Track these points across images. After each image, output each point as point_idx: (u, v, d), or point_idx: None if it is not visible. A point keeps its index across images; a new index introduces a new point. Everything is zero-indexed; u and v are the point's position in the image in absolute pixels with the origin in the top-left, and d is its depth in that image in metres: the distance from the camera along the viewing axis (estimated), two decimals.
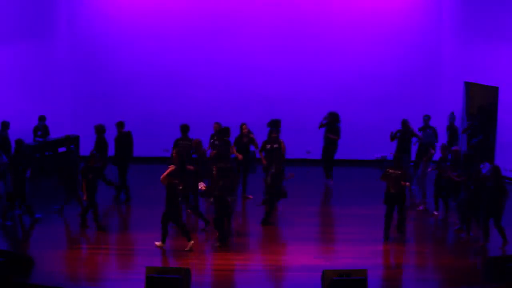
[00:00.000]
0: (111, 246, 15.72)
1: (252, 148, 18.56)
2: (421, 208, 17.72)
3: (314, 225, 16.92)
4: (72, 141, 18.67)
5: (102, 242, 15.90)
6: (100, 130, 18.24)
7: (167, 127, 21.16)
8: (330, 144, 19.63)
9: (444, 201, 16.96)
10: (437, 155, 17.64)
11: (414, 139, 19.12)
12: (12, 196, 16.51)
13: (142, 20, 21.56)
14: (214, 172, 15.66)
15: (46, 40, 21.20)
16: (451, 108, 21.00)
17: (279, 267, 14.55)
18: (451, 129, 19.41)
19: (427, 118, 18.92)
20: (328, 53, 21.56)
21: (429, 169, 17.41)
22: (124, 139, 18.31)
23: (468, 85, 21.19)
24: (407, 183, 15.71)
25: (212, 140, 18.22)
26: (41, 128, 19.88)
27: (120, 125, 18.41)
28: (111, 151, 18.50)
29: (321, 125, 19.67)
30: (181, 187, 15.15)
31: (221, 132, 17.96)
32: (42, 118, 19.92)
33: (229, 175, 16.00)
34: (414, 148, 19.26)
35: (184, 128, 17.99)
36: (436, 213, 17.19)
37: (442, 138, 19.65)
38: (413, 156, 19.25)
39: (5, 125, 18.66)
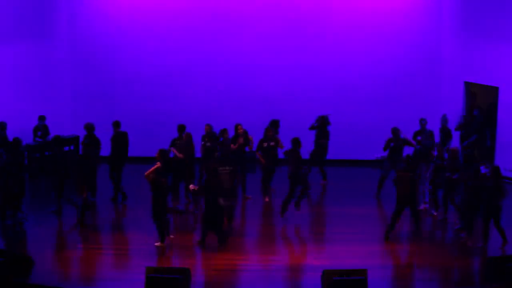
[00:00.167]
0: (110, 246, 15.73)
1: (247, 148, 18.60)
2: (421, 207, 17.73)
3: (314, 225, 16.91)
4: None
5: (102, 242, 15.90)
6: (90, 128, 18.23)
7: (167, 127, 21.15)
8: (322, 148, 19.68)
9: (444, 201, 16.94)
10: None
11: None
12: (11, 196, 16.52)
13: (142, 20, 21.57)
14: (207, 171, 15.63)
15: (46, 40, 21.21)
16: (451, 108, 21.01)
17: (279, 267, 14.55)
18: (444, 131, 19.37)
19: (424, 122, 18.88)
20: (328, 53, 21.57)
21: (428, 174, 17.40)
22: (120, 138, 18.33)
23: (468, 85, 21.18)
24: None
25: (203, 142, 18.22)
26: (41, 128, 19.89)
27: (116, 124, 18.45)
28: (106, 150, 18.51)
29: (312, 127, 19.71)
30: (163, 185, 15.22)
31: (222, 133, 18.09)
32: (42, 118, 19.93)
33: (227, 177, 16.05)
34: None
35: (181, 128, 18.08)
36: (435, 213, 17.17)
37: (436, 140, 19.62)
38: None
39: (3, 125, 18.64)
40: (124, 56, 21.70)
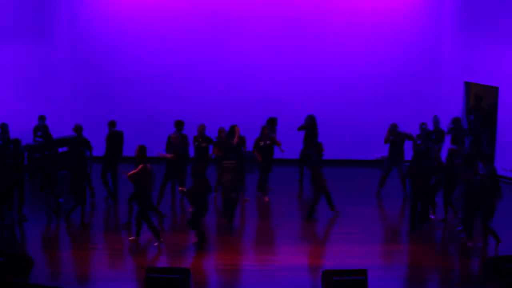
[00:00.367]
0: (110, 246, 15.71)
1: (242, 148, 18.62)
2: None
3: (314, 225, 16.91)
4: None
5: (101, 242, 15.89)
6: (78, 129, 18.28)
7: (167, 127, 21.12)
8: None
9: (444, 202, 16.92)
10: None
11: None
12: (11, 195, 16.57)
13: (142, 20, 21.56)
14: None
15: (46, 40, 21.20)
16: (451, 108, 21.00)
17: (279, 267, 14.55)
18: (437, 132, 19.35)
19: (424, 127, 18.85)
20: (328, 53, 21.56)
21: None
22: (115, 138, 18.36)
23: (469, 86, 21.17)
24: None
25: (197, 143, 18.20)
26: (41, 128, 19.88)
27: (112, 124, 18.51)
28: (102, 150, 18.58)
29: (301, 128, 19.68)
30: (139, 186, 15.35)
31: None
32: (42, 118, 19.91)
33: (231, 170, 16.27)
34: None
35: (178, 124, 18.20)
36: (432, 216, 17.10)
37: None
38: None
39: (5, 127, 18.63)
40: (124, 56, 21.70)
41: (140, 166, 15.43)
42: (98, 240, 16.02)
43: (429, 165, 16.38)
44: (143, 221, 15.35)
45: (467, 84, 21.17)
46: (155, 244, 15.26)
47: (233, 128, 18.09)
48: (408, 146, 18.78)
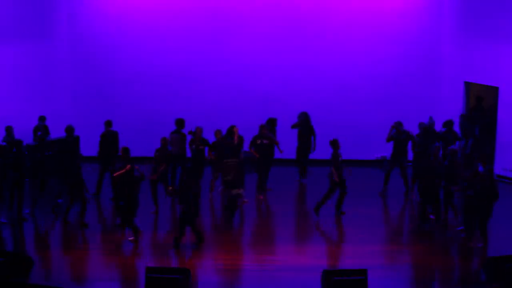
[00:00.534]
0: (110, 246, 15.71)
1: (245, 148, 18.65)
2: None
3: (314, 225, 16.91)
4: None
5: (101, 242, 15.89)
6: (70, 130, 18.32)
7: (167, 127, 21.13)
8: (307, 144, 19.62)
9: (444, 202, 16.91)
10: None
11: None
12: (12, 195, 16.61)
13: (142, 20, 21.56)
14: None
15: (46, 40, 21.20)
16: (451, 108, 21.00)
17: (279, 267, 14.55)
18: (431, 133, 19.34)
19: (423, 126, 18.84)
20: (328, 53, 21.56)
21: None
22: (110, 137, 18.42)
23: (468, 85, 21.17)
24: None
25: (194, 146, 18.17)
26: (41, 128, 19.87)
27: (108, 123, 18.63)
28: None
29: (294, 126, 19.65)
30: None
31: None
32: (42, 119, 19.91)
33: (233, 169, 16.41)
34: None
35: (178, 122, 18.31)
36: (432, 217, 17.10)
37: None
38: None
39: (10, 129, 18.64)
40: (124, 56, 21.70)
41: (128, 166, 15.57)
42: (97, 240, 16.02)
43: (430, 165, 16.38)
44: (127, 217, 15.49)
45: (467, 84, 21.17)
46: (131, 239, 15.33)
47: (231, 128, 18.11)
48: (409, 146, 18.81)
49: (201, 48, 21.58)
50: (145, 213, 17.17)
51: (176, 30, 21.57)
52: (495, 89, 20.33)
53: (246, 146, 18.62)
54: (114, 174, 15.86)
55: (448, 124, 18.94)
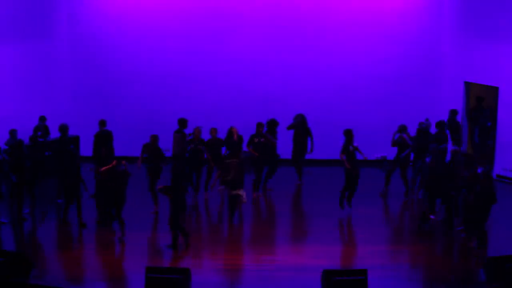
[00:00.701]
0: (110, 246, 15.71)
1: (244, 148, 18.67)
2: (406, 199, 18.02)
3: (315, 225, 16.91)
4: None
5: (101, 242, 15.89)
6: (65, 129, 18.36)
7: (167, 127, 21.13)
8: (303, 146, 19.58)
9: (447, 205, 16.86)
10: None
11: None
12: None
13: (142, 20, 21.57)
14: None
15: (46, 40, 21.20)
16: (451, 108, 20.99)
17: (279, 267, 14.55)
18: (426, 135, 19.34)
19: (424, 126, 18.79)
20: (328, 53, 21.56)
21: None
22: (104, 137, 18.48)
23: (468, 85, 21.17)
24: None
25: (193, 145, 18.17)
26: (41, 128, 19.88)
27: (102, 123, 18.70)
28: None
29: (290, 127, 19.63)
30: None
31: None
32: (42, 119, 19.91)
33: (234, 168, 16.49)
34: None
35: (180, 121, 18.34)
36: (432, 217, 17.11)
37: None
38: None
39: (14, 132, 18.66)
40: (124, 56, 21.70)
41: (113, 162, 15.77)
42: (96, 240, 16.02)
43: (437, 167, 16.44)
44: (112, 214, 15.66)
45: (467, 84, 21.17)
46: (119, 236, 15.46)
47: (230, 130, 18.14)
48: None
49: (201, 48, 21.59)
50: (145, 213, 17.19)
51: (176, 30, 21.57)
52: (495, 89, 20.33)
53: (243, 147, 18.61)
54: (101, 169, 15.95)
55: (440, 124, 18.86)
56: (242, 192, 16.78)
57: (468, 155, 17.66)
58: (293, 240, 16.34)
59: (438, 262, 14.99)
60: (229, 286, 13.91)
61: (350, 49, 21.54)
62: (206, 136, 18.47)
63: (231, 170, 16.68)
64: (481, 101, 20.68)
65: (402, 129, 18.48)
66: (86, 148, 19.71)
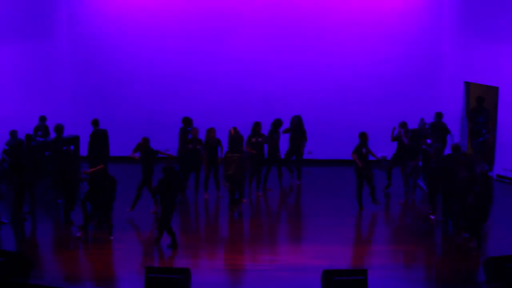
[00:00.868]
0: (110, 246, 15.70)
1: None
2: (401, 201, 17.94)
3: (314, 225, 16.91)
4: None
5: (101, 242, 15.88)
6: (60, 129, 18.39)
7: (167, 127, 21.18)
8: (299, 147, 19.53)
9: (449, 205, 16.85)
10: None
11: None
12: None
13: (142, 20, 21.58)
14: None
15: (46, 40, 21.21)
16: (451, 108, 21.01)
17: (279, 267, 14.55)
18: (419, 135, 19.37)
19: (427, 127, 18.76)
20: (328, 53, 21.57)
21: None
22: (99, 137, 18.51)
23: (468, 85, 21.17)
24: None
25: (191, 145, 18.15)
26: (42, 128, 19.89)
27: (95, 123, 18.79)
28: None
29: (286, 131, 19.57)
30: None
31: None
32: (42, 119, 19.92)
33: (235, 163, 16.74)
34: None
35: (184, 120, 18.52)
36: (432, 217, 17.11)
37: None
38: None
39: (14, 133, 18.66)
40: (124, 56, 21.71)
41: (101, 165, 15.91)
42: (96, 240, 16.02)
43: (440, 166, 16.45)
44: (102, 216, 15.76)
45: (467, 84, 21.17)
46: (111, 237, 15.56)
47: (230, 131, 18.17)
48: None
49: (201, 48, 21.59)
50: (145, 213, 17.19)
51: (176, 30, 21.58)
52: (495, 89, 20.33)
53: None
54: (89, 170, 16.07)
55: (434, 126, 18.81)
56: (242, 187, 16.93)
57: (467, 155, 17.64)
58: (293, 240, 16.34)
59: (438, 262, 14.99)
60: (229, 286, 13.91)
61: (350, 49, 21.54)
62: (202, 136, 18.50)
63: (231, 165, 16.80)
64: (481, 102, 20.63)
65: (402, 125, 18.54)
66: (86, 148, 19.70)
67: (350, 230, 16.51)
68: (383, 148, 19.59)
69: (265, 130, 18.97)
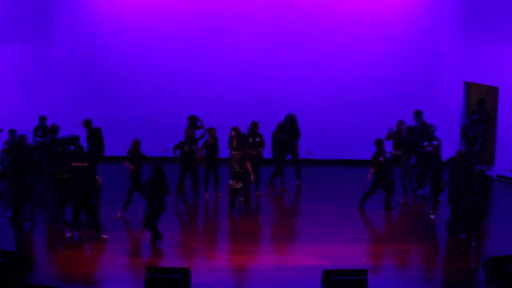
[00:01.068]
0: (110, 245, 15.70)
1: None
2: (401, 201, 17.93)
3: (315, 225, 16.91)
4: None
5: (101, 242, 15.88)
6: (53, 130, 18.43)
7: (167, 127, 21.19)
8: (295, 147, 19.49)
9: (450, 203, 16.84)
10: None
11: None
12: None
13: (142, 20, 21.57)
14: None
15: (46, 40, 21.20)
16: (451, 108, 21.00)
17: (279, 267, 14.55)
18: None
19: (433, 129, 18.75)
20: (328, 53, 21.56)
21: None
22: (94, 135, 18.53)
23: (468, 85, 21.17)
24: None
25: (187, 147, 18.12)
26: (42, 128, 19.89)
27: (88, 122, 18.90)
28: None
29: (280, 130, 19.54)
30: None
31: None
32: (42, 119, 19.92)
33: (238, 161, 16.92)
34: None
35: (189, 118, 18.72)
36: (432, 216, 17.11)
37: None
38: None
39: (14, 132, 18.67)
40: (124, 56, 21.70)
41: (85, 163, 15.93)
42: (96, 240, 16.02)
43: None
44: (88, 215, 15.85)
45: (467, 84, 21.17)
46: (104, 236, 15.64)
47: (231, 132, 18.19)
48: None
49: (201, 48, 21.59)
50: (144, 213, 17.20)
51: (176, 30, 21.57)
52: (495, 89, 20.33)
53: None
54: (73, 164, 15.99)
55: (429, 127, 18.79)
56: (239, 185, 16.93)
57: (464, 154, 17.61)
58: (293, 240, 16.34)
59: (438, 262, 14.99)
60: (229, 286, 13.90)
61: (350, 49, 21.54)
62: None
63: (233, 163, 16.94)
64: (482, 104, 20.46)
65: (400, 123, 18.59)
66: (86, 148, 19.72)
67: (350, 230, 16.50)
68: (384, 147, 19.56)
69: (264, 130, 18.95)
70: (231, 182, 17.07)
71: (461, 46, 20.98)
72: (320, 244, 15.95)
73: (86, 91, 21.81)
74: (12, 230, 16.41)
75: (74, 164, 15.96)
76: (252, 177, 17.19)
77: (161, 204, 15.24)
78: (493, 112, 20.50)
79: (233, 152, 17.16)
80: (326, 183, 20.11)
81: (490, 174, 19.93)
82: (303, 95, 21.66)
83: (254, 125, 18.54)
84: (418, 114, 19.46)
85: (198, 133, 18.83)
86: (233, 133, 18.02)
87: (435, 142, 17.86)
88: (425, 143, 17.94)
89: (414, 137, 18.41)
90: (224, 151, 18.71)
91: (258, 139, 18.45)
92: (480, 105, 20.39)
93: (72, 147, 18.11)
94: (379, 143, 17.57)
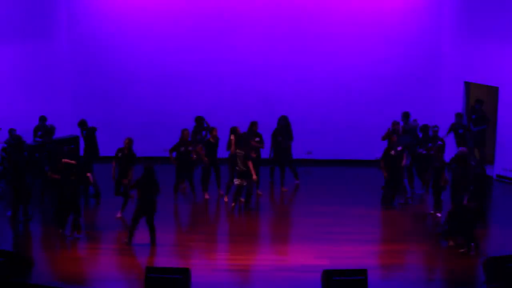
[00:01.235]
0: (110, 245, 15.70)
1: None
2: (401, 201, 17.91)
3: (314, 225, 16.90)
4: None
5: (101, 242, 15.89)
6: (52, 131, 18.47)
7: (167, 127, 21.18)
8: (288, 148, 19.42)
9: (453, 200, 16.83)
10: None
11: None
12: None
13: (142, 20, 21.58)
14: None
15: (46, 40, 21.21)
16: (451, 108, 21.00)
17: (279, 267, 14.54)
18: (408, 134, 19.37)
19: (436, 129, 18.74)
20: (328, 53, 21.56)
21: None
22: (92, 135, 18.69)
23: (468, 85, 21.17)
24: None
25: (183, 148, 18.10)
26: (42, 128, 19.88)
27: (83, 123, 18.94)
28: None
29: (276, 131, 19.52)
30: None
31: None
32: (43, 119, 19.92)
33: (241, 159, 17.15)
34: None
35: (196, 119, 18.91)
36: (439, 214, 17.12)
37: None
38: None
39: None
40: (124, 56, 21.70)
41: (74, 162, 16.04)
42: (96, 240, 16.02)
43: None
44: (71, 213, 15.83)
45: (467, 84, 21.17)
46: (78, 235, 15.71)
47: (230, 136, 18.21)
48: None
49: (201, 48, 21.59)
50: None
51: (176, 30, 21.58)
52: (495, 89, 20.33)
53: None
54: (63, 160, 16.05)
55: (424, 129, 18.76)
56: (241, 182, 16.98)
57: (463, 153, 17.63)
58: (293, 240, 16.33)
59: (438, 262, 14.98)
60: (229, 286, 13.90)
61: (350, 49, 21.54)
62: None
63: (238, 162, 17.21)
64: (481, 104, 20.46)
65: (396, 124, 18.62)
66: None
67: (350, 230, 16.50)
68: (383, 148, 19.56)
69: (264, 130, 18.95)
70: (236, 180, 17.32)
71: (461, 46, 20.98)
72: (320, 244, 15.94)
73: (86, 91, 21.81)
74: (11, 230, 16.42)
75: (64, 160, 16.07)
76: (254, 176, 17.21)
77: (152, 204, 15.22)
78: (493, 112, 20.51)
79: (237, 150, 17.29)
80: (326, 183, 20.11)
81: (490, 174, 19.93)
82: (303, 95, 21.67)
83: (253, 125, 18.54)
84: (405, 116, 19.46)
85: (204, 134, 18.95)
86: (232, 137, 18.02)
87: (439, 143, 17.86)
88: (430, 144, 17.92)
89: (410, 137, 18.40)
90: (223, 151, 18.73)
91: (257, 139, 18.47)
92: (478, 105, 20.40)
93: (72, 147, 18.14)
94: (390, 139, 17.72)
